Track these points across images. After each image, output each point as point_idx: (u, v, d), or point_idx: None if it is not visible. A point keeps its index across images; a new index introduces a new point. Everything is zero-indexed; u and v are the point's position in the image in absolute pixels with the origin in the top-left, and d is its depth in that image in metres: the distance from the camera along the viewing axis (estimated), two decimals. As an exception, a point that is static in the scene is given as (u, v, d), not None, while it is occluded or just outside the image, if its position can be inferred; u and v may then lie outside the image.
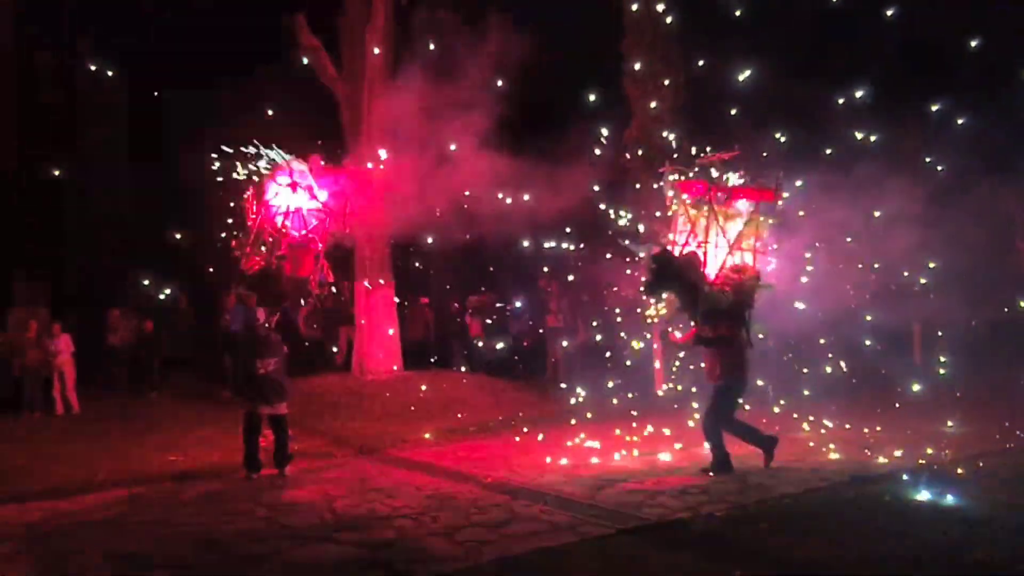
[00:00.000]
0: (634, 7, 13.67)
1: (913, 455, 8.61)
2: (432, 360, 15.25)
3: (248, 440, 8.44)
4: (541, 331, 15.24)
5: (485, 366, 15.07)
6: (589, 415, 10.97)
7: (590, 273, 13.47)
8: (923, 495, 6.97)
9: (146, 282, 14.48)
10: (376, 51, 13.34)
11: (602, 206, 11.66)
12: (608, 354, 12.51)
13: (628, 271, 11.38)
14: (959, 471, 7.93)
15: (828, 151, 11.36)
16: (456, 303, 16.71)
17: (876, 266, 11.83)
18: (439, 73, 11.71)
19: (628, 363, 11.98)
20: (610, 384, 11.63)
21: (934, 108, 12.42)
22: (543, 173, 11.37)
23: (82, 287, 16.73)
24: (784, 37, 13.53)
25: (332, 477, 8.43)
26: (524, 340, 15.94)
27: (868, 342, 11.77)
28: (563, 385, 12.81)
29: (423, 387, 12.88)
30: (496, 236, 11.93)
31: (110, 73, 17.47)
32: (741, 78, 11.36)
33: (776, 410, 10.85)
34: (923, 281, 12.18)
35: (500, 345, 15.41)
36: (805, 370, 11.61)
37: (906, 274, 12.09)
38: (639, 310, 11.39)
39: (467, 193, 11.06)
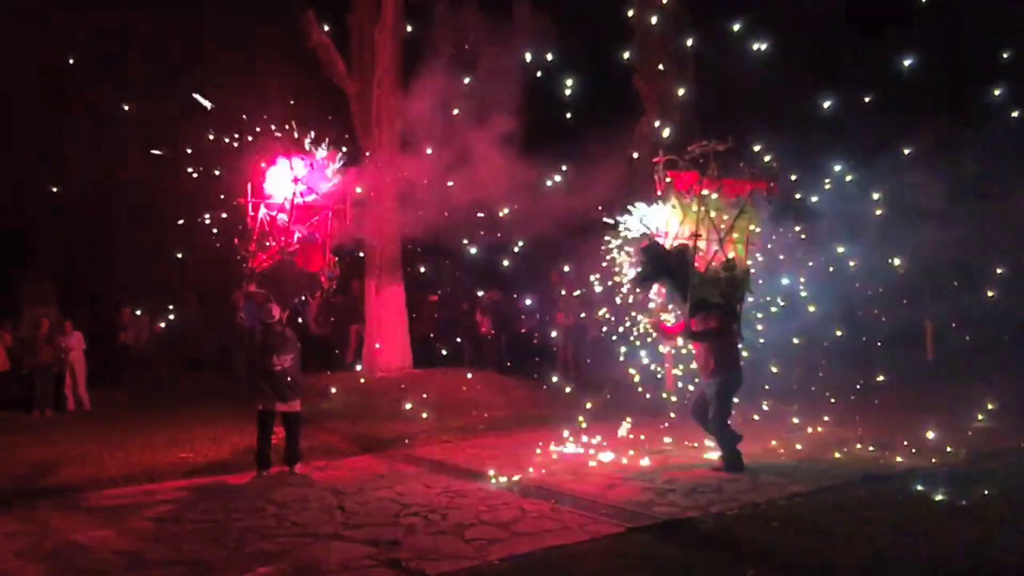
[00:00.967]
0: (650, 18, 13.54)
1: (927, 454, 8.53)
2: (443, 354, 15.15)
3: (262, 437, 8.45)
4: (552, 330, 15.17)
5: (495, 364, 15.04)
6: (599, 413, 10.91)
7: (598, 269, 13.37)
8: (938, 494, 6.90)
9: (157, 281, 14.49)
10: (386, 49, 13.30)
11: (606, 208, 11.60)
12: (622, 349, 12.43)
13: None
14: (975, 470, 7.85)
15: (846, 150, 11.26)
16: (465, 302, 16.66)
17: (897, 262, 11.69)
18: (450, 71, 11.68)
19: (644, 360, 11.88)
20: (620, 381, 11.55)
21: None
22: (556, 171, 11.35)
23: (92, 286, 16.76)
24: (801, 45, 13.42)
25: (342, 474, 8.42)
26: (534, 337, 15.88)
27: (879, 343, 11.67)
28: (573, 382, 12.76)
29: (433, 385, 12.85)
30: (507, 235, 11.88)
31: None
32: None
33: (793, 409, 10.76)
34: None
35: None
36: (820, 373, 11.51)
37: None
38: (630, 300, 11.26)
39: (478, 193, 11.01)
